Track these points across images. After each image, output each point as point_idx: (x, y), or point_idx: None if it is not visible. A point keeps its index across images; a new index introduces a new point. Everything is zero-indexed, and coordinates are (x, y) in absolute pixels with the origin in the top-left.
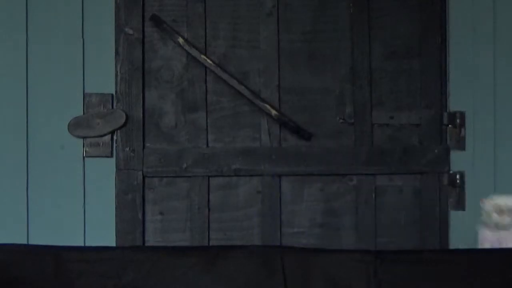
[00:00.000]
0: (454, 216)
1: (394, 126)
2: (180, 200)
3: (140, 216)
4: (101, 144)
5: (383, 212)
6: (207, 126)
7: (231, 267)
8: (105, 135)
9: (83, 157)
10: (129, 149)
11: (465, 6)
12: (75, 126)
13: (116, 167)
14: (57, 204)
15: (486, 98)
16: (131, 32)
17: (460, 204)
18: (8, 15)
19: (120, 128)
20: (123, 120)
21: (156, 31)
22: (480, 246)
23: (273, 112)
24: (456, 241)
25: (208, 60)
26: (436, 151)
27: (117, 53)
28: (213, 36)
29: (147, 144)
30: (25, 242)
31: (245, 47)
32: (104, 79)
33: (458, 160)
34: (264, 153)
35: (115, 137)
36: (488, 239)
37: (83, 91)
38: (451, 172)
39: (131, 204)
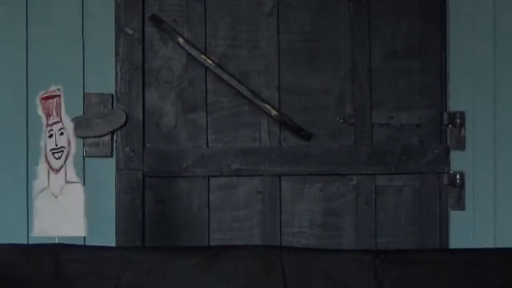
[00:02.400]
0: (454, 216)
1: (394, 126)
2: (180, 200)
3: (140, 216)
4: (101, 144)
5: (383, 212)
6: (207, 126)
7: (231, 267)
8: (105, 135)
9: (83, 157)
10: (129, 149)
11: (465, 6)
12: (75, 126)
13: (116, 167)
14: None
15: (486, 98)
16: (131, 32)
17: (460, 204)
18: (8, 15)
19: (120, 128)
20: (123, 120)
21: (156, 31)
22: None
23: (273, 112)
24: (456, 241)
25: (208, 60)
26: (436, 151)
27: (117, 53)
28: (213, 36)
29: (147, 144)
30: (25, 242)
31: (245, 47)
32: (104, 79)
33: (458, 160)
34: (264, 153)
35: (115, 137)
36: None
37: (83, 91)
38: (451, 172)
39: (131, 204)
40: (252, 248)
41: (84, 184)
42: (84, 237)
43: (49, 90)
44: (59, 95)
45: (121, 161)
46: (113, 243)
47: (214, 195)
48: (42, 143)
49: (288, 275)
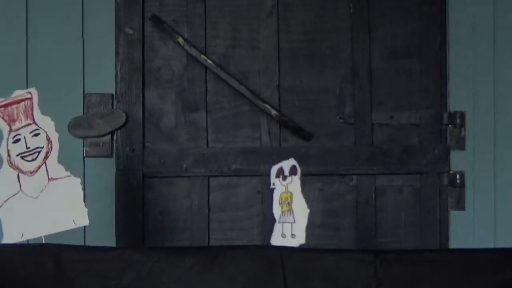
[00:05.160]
0: (454, 216)
1: (394, 126)
2: (180, 200)
3: (140, 216)
4: (101, 144)
5: (383, 212)
6: (207, 126)
7: (231, 267)
8: (105, 135)
9: (83, 157)
10: (129, 149)
11: (465, 6)
12: (75, 126)
13: (116, 167)
14: None
15: (486, 98)
16: (131, 32)
17: (460, 204)
18: (8, 15)
19: (120, 128)
20: (123, 120)
21: (156, 31)
22: None
23: (273, 112)
24: (456, 241)
25: (208, 60)
26: (436, 151)
27: (117, 53)
28: (213, 36)
29: (147, 144)
30: (25, 242)
31: (245, 47)
32: (104, 79)
33: (458, 160)
34: (264, 153)
35: (115, 137)
36: None
37: (83, 91)
38: (451, 172)
39: (131, 204)
40: (252, 248)
41: (84, 183)
42: (84, 237)
43: (11, 96)
44: (29, 98)
45: (121, 161)
46: (113, 243)
47: (214, 195)
48: (2, 150)
49: (288, 275)
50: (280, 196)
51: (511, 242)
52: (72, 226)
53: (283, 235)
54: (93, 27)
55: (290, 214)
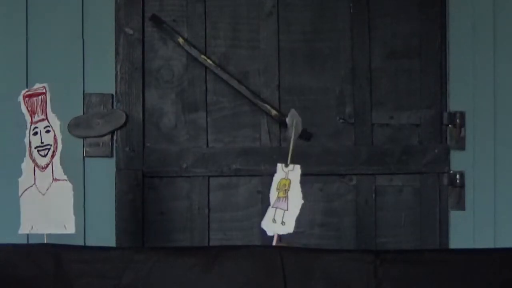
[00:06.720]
0: (454, 216)
1: (394, 126)
2: (180, 200)
3: (140, 216)
4: (101, 144)
5: (383, 212)
6: (207, 126)
7: (231, 267)
8: (105, 135)
9: (83, 157)
10: (129, 149)
11: (465, 6)
12: (75, 126)
13: (116, 167)
14: None
15: (486, 98)
16: (131, 32)
17: (460, 204)
18: (8, 15)
19: (120, 128)
20: (123, 120)
21: (156, 31)
22: None
23: (273, 112)
24: (456, 241)
25: (208, 60)
26: (436, 151)
27: (117, 53)
28: (213, 36)
29: (147, 144)
30: (25, 242)
31: (245, 47)
32: (104, 79)
33: (458, 160)
34: (264, 153)
35: (115, 137)
36: None
37: (83, 91)
38: (451, 172)
39: (131, 204)
40: (252, 248)
41: (84, 183)
42: (84, 237)
43: (33, 87)
44: (44, 93)
45: (121, 161)
46: (113, 243)
47: (214, 195)
48: (26, 140)
49: (288, 275)
50: (279, 182)
51: (511, 242)
52: (63, 230)
53: (274, 220)
54: (93, 27)
55: (285, 201)
